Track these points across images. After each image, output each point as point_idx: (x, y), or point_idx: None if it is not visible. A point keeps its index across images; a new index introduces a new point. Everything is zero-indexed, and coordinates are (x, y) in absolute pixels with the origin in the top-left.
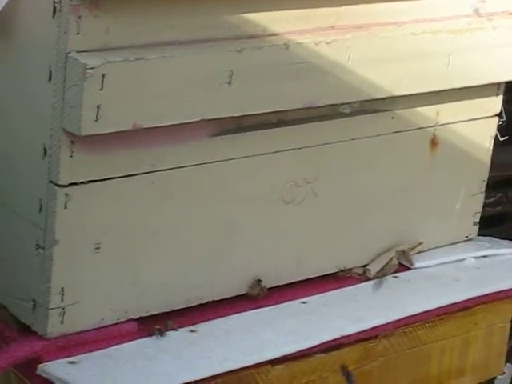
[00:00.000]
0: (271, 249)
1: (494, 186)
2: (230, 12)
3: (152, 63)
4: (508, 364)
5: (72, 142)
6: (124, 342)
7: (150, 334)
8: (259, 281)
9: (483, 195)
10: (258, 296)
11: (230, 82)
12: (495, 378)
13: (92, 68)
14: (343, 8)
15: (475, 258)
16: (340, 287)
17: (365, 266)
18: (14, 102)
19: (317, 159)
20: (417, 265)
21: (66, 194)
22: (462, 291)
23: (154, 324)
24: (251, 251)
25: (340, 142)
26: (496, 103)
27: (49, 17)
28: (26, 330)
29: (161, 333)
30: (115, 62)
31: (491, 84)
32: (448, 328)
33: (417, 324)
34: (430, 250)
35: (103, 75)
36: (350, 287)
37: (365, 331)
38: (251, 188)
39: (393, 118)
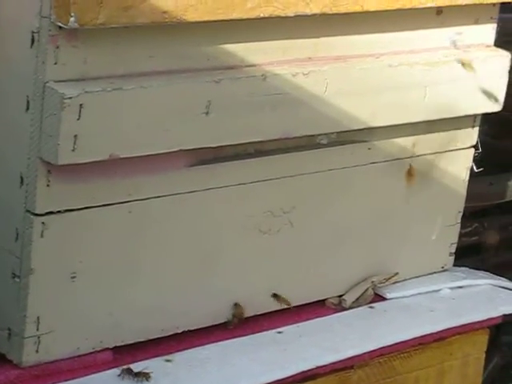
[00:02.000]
0: (248, 278)
1: (470, 216)
2: (207, 43)
3: (130, 93)
4: None
5: (49, 171)
6: (99, 372)
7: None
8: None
9: (459, 226)
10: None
11: (207, 113)
12: None
13: (69, 98)
14: (321, 39)
15: (451, 288)
16: (316, 317)
17: (340, 296)
18: None
19: (294, 189)
20: (392, 295)
21: (43, 222)
22: (438, 322)
23: (129, 353)
24: (227, 281)
25: (317, 172)
26: (472, 135)
27: (27, 46)
28: (1, 359)
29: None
30: (93, 92)
31: (467, 116)
32: (423, 358)
33: (392, 354)
34: (405, 280)
35: (81, 105)
36: (326, 317)
37: (340, 361)
38: (228, 218)
39: (369, 148)
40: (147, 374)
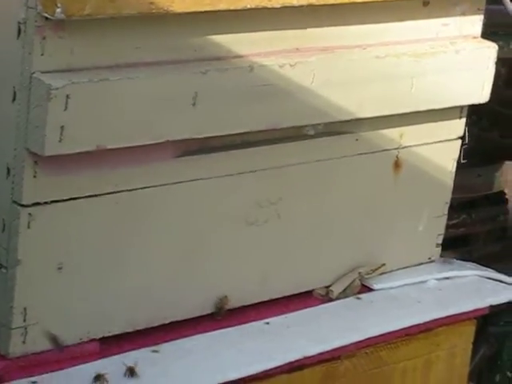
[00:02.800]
0: (235, 269)
1: (457, 207)
2: (194, 34)
3: (116, 84)
4: (470, 383)
5: (36, 162)
6: (86, 362)
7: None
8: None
9: (446, 217)
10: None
11: (194, 104)
12: None
13: (56, 89)
14: (308, 30)
15: (437, 279)
16: (303, 308)
17: (328, 286)
18: None
19: (280, 180)
20: (379, 286)
21: (30, 213)
22: (424, 313)
23: (116, 344)
24: (215, 272)
25: (304, 163)
26: (459, 126)
27: (13, 37)
28: None
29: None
30: (79, 82)
31: (454, 107)
32: (410, 349)
33: (379, 345)
34: (392, 271)
35: (67, 96)
36: (313, 308)
37: (327, 352)
38: (215, 209)
39: (357, 140)
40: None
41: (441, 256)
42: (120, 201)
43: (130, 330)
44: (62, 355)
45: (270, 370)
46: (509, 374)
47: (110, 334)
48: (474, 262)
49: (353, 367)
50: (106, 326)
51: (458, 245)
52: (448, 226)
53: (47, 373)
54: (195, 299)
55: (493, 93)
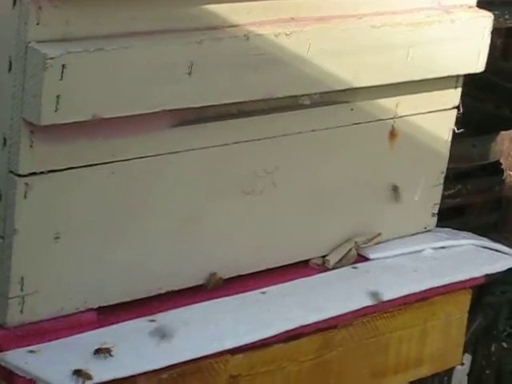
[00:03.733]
0: (231, 239)
1: (453, 178)
2: (190, 3)
3: (112, 54)
4: (466, 354)
5: (32, 131)
6: (83, 332)
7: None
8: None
9: (442, 187)
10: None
11: (190, 73)
12: (454, 368)
13: (52, 58)
14: (304, 0)
15: (433, 248)
16: (299, 277)
17: (324, 256)
18: None
19: (276, 150)
20: (375, 256)
21: (26, 183)
22: (420, 282)
23: (113, 314)
24: (211, 242)
25: (300, 133)
26: (455, 96)
27: (9, 7)
28: None
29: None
30: (75, 52)
31: (450, 76)
32: (406, 318)
33: (375, 314)
34: (388, 241)
35: (63, 65)
36: (309, 277)
37: (324, 321)
38: (211, 179)
39: (352, 109)
40: (108, 349)
41: (437, 226)
42: (116, 170)
43: (126, 299)
44: (60, 325)
45: (267, 338)
46: (504, 344)
47: (107, 304)
48: (469, 232)
49: (349, 336)
50: (103, 296)
51: (454, 215)
52: (444, 197)
53: (45, 342)
54: (191, 269)
55: (489, 63)
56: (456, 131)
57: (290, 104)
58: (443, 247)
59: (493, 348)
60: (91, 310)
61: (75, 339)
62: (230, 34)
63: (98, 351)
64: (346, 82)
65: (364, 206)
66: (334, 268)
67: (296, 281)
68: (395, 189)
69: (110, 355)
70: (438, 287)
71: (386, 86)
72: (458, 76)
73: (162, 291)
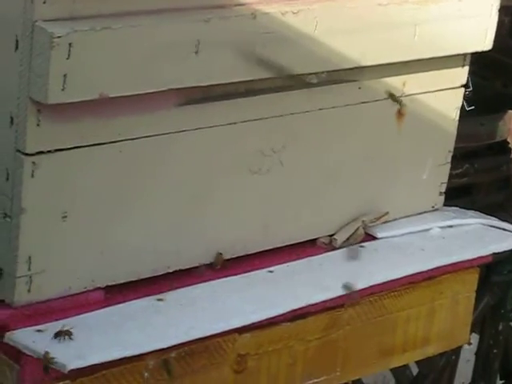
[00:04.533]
0: (238, 218)
1: (461, 157)
2: None
3: (119, 32)
4: (474, 334)
5: (39, 110)
6: (91, 311)
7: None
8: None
9: (449, 165)
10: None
11: (196, 52)
12: (461, 347)
13: (59, 37)
14: None
15: (441, 227)
16: (306, 256)
17: (331, 235)
18: None
19: (284, 129)
20: (383, 235)
21: (33, 162)
22: (428, 261)
23: (120, 293)
24: (218, 221)
25: (307, 112)
26: (462, 74)
27: None
28: None
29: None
30: (82, 31)
31: (457, 55)
32: (413, 297)
33: (383, 293)
34: (396, 219)
35: (70, 44)
36: (317, 256)
37: (331, 300)
38: (218, 157)
39: (360, 88)
40: (69, 331)
41: (444, 205)
42: (123, 149)
43: (134, 278)
44: (67, 304)
45: (274, 317)
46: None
47: (115, 283)
48: (477, 211)
49: (357, 315)
50: (111, 275)
51: (461, 194)
52: (451, 176)
53: (52, 321)
54: (199, 248)
55: (496, 42)
56: (466, 109)
57: (298, 83)
58: (451, 226)
59: (500, 327)
60: (99, 289)
61: (83, 318)
62: (236, 13)
63: (57, 334)
64: (353, 60)
65: (371, 184)
66: (341, 247)
67: (303, 260)
68: None
69: (70, 338)
70: (445, 266)
71: (394, 64)
72: (465, 54)
73: (170, 270)
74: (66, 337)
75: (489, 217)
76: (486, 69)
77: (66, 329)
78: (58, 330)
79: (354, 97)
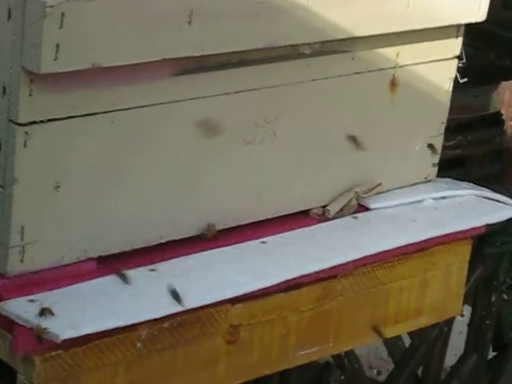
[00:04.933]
0: (232, 189)
1: (454, 129)
2: None
3: (112, 2)
4: (466, 306)
5: (31, 80)
6: (83, 281)
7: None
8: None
9: (442, 137)
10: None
11: (189, 22)
12: (453, 318)
13: (51, 6)
14: None
15: (434, 199)
16: (299, 227)
17: (324, 206)
18: None
19: (277, 100)
20: (376, 205)
21: (26, 132)
22: (421, 232)
23: (113, 263)
24: (211, 191)
25: (300, 82)
26: (456, 45)
27: None
28: None
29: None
30: (74, 0)
31: (451, 26)
32: (406, 268)
33: (375, 264)
34: (389, 191)
35: (62, 14)
36: (310, 227)
37: (324, 270)
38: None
39: (353, 59)
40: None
41: (437, 177)
42: (116, 120)
43: (127, 249)
44: (60, 274)
45: (267, 288)
46: (504, 296)
47: (108, 253)
48: (470, 183)
49: (349, 286)
50: (104, 245)
51: (455, 166)
52: (444, 148)
53: (45, 291)
54: (192, 219)
55: (490, 13)
56: (460, 81)
57: (291, 53)
58: (444, 197)
59: (493, 298)
60: (91, 259)
61: (75, 288)
62: None
63: (42, 313)
64: (346, 31)
65: (364, 155)
66: (334, 218)
67: (296, 231)
68: (353, 139)
69: (52, 314)
70: (438, 237)
71: (387, 35)
72: (458, 25)
73: (163, 240)
74: (49, 314)
75: (482, 188)
76: (479, 40)
77: (46, 306)
78: (41, 308)
79: (347, 67)
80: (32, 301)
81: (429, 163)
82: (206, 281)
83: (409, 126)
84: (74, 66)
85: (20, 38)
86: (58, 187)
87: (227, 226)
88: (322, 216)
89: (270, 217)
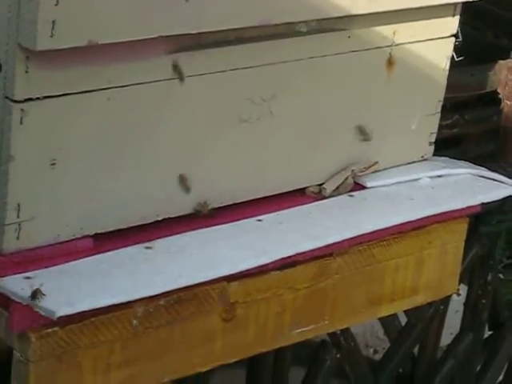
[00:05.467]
0: (227, 167)
1: (451, 108)
2: None
3: None
4: (462, 285)
5: (27, 57)
6: (80, 259)
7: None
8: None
9: (439, 115)
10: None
11: None
12: (450, 297)
13: None
14: None
15: (430, 177)
16: (296, 205)
17: (320, 184)
18: None
19: (273, 78)
20: (372, 184)
21: (22, 109)
22: (417, 210)
23: (109, 241)
24: (207, 169)
25: (297, 60)
26: (453, 23)
27: None
28: None
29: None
30: None
31: (448, 4)
32: (402, 247)
33: (371, 242)
34: (385, 169)
35: None
36: (306, 205)
37: (320, 248)
38: (208, 105)
39: (349, 37)
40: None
41: (434, 156)
42: (112, 97)
43: (123, 226)
44: (56, 251)
45: (263, 266)
46: (501, 275)
47: (104, 231)
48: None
49: (345, 264)
50: (100, 223)
51: (451, 145)
52: (441, 127)
53: (41, 269)
54: (188, 196)
55: None
56: (456, 59)
57: (288, 31)
58: (440, 176)
59: (489, 278)
60: (88, 236)
61: (71, 266)
62: None
63: (34, 296)
64: (343, 8)
65: (361, 134)
66: (330, 196)
67: (292, 209)
68: (362, 130)
69: (43, 294)
70: (434, 215)
71: (384, 13)
72: (455, 4)
73: (159, 218)
74: (40, 295)
75: (478, 167)
76: (477, 19)
77: (37, 288)
78: (32, 290)
79: (343, 46)
80: (28, 278)
81: (425, 142)
82: (201, 258)
83: (405, 105)
84: (71, 43)
85: (16, 14)
86: (54, 164)
87: (224, 204)
88: (319, 194)
89: (266, 195)
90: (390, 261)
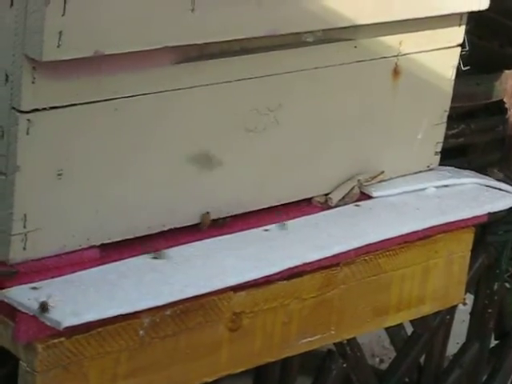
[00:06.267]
0: (234, 177)
1: (457, 117)
2: None
3: None
4: (469, 294)
5: (34, 68)
6: (86, 269)
7: None
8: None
9: (445, 125)
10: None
11: (192, 9)
12: (456, 307)
13: None
14: None
15: (436, 187)
16: (302, 215)
17: (327, 194)
18: None
19: (279, 87)
20: (378, 194)
21: (28, 120)
22: (423, 220)
23: (116, 251)
24: (214, 179)
25: (303, 70)
26: (459, 33)
27: None
28: None
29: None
30: None
31: (454, 14)
32: (408, 256)
33: (378, 252)
34: (391, 179)
35: (65, 1)
36: (312, 215)
37: (326, 258)
38: (214, 116)
39: (355, 47)
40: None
41: (440, 166)
42: (119, 107)
43: (129, 236)
44: (63, 262)
45: (270, 276)
46: (507, 284)
47: (110, 241)
48: (473, 171)
49: (352, 274)
50: (106, 233)
51: (457, 155)
52: (447, 136)
53: (47, 279)
54: (194, 206)
55: (493, 2)
56: (462, 68)
57: (293, 41)
58: (446, 185)
59: (495, 287)
60: (94, 247)
61: (78, 276)
62: None
63: (43, 308)
64: (349, 18)
65: (367, 144)
66: (336, 206)
67: (299, 219)
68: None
69: (51, 306)
70: (440, 225)
71: (390, 23)
72: (461, 14)
73: (165, 228)
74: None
75: (484, 176)
76: (482, 29)
77: (45, 300)
78: (41, 301)
79: (349, 56)
80: (34, 288)
81: (431, 151)
82: (208, 268)
83: (411, 114)
84: (77, 53)
85: (22, 25)
86: (61, 175)
87: (230, 214)
88: (325, 204)
89: (273, 205)
90: (396, 271)
